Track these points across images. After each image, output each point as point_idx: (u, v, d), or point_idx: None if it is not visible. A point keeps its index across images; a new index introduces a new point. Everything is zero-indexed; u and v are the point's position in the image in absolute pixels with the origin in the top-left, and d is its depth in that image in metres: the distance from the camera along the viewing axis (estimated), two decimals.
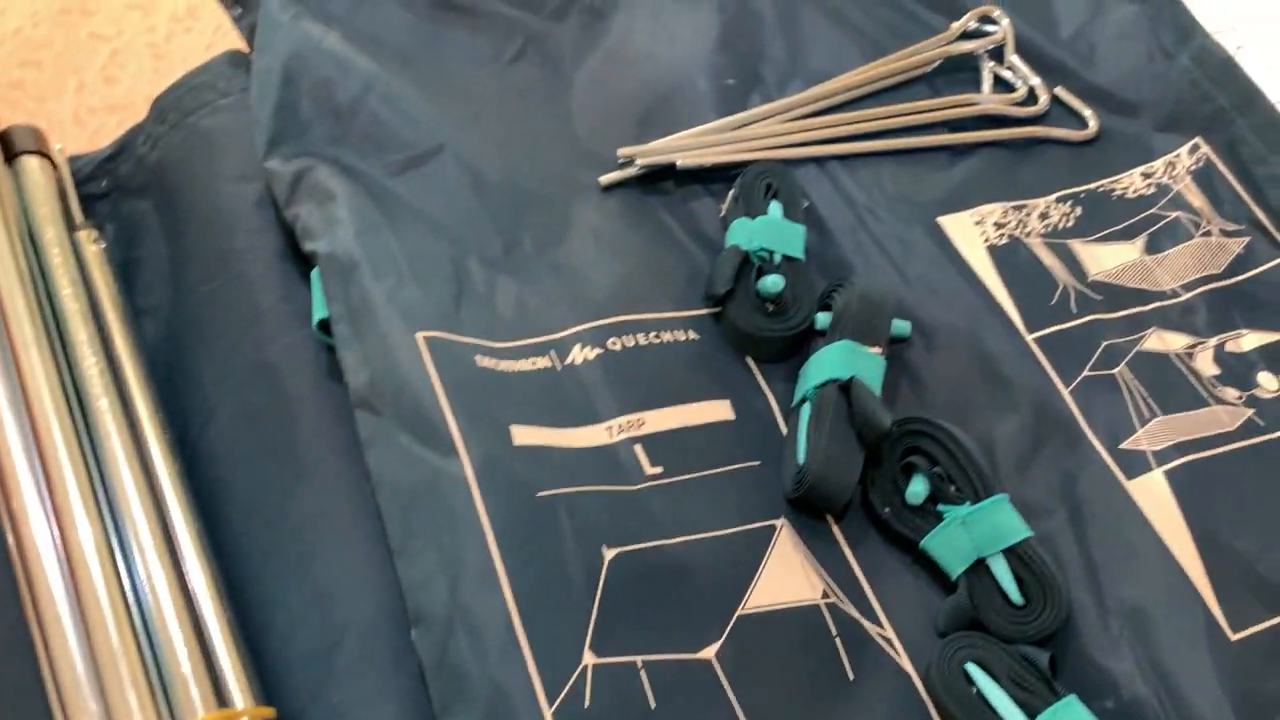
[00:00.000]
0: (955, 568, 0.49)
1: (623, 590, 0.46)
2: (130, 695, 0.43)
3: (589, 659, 0.44)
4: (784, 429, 0.53)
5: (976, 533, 0.49)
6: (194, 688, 0.44)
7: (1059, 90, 0.67)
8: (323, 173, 0.56)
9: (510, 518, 0.47)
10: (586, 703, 0.43)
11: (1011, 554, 0.49)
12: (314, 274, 0.54)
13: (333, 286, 0.52)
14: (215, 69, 0.63)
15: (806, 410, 0.52)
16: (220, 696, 0.44)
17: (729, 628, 0.47)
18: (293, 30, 0.59)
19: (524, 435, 0.50)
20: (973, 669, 0.47)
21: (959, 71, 0.68)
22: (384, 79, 0.59)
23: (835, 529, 0.51)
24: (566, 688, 0.44)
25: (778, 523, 0.50)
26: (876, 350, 0.53)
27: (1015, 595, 0.48)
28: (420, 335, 0.51)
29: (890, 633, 0.48)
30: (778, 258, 0.57)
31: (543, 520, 0.47)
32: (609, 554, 0.47)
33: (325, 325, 0.53)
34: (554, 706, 0.43)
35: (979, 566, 0.49)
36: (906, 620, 0.49)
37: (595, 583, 0.46)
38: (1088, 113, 0.66)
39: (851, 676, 0.47)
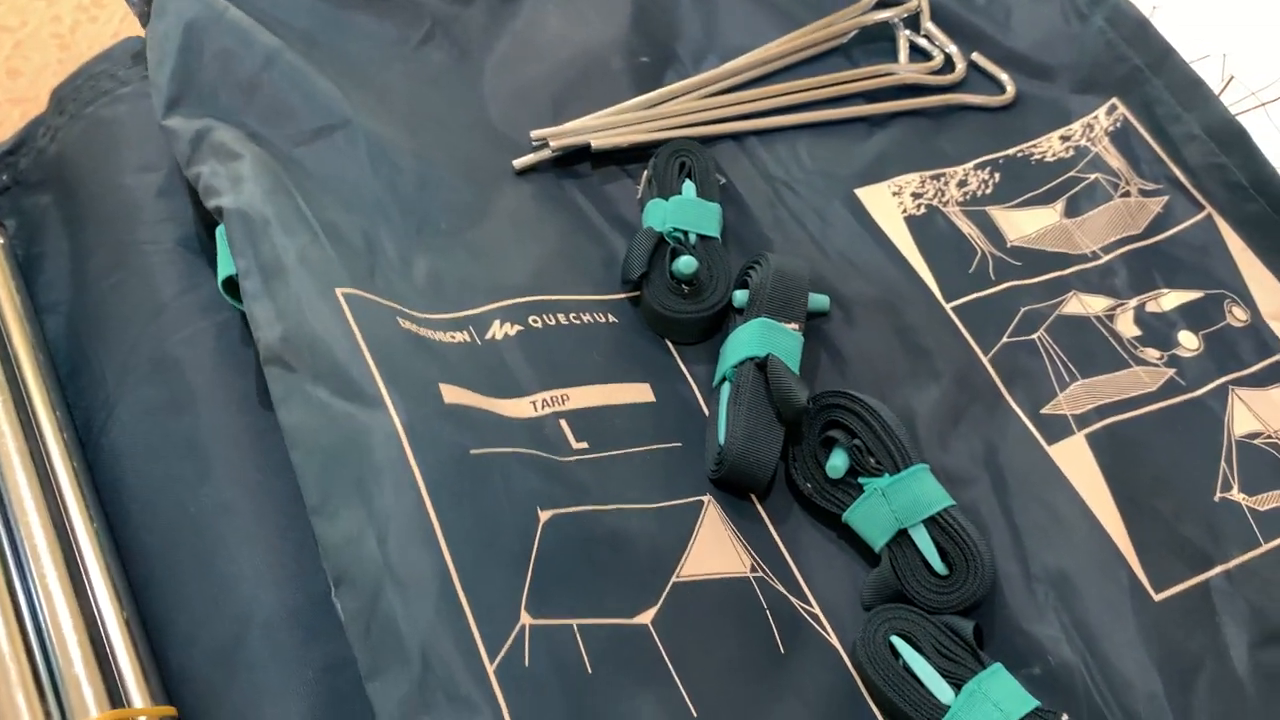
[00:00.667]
0: (878, 540, 0.48)
1: (558, 552, 0.45)
2: (18, 695, 0.42)
3: (525, 619, 0.43)
4: (706, 411, 0.52)
5: (897, 503, 0.48)
6: (86, 687, 0.42)
7: (976, 56, 0.67)
8: (226, 134, 0.53)
9: (444, 473, 0.44)
10: (527, 661, 0.42)
11: (933, 524, 0.48)
12: (219, 230, 0.51)
13: (240, 242, 0.49)
14: (114, 57, 0.62)
15: (726, 390, 0.51)
16: (117, 696, 0.43)
17: (664, 594, 0.46)
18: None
19: (454, 395, 0.48)
20: (898, 641, 0.46)
21: (875, 41, 0.67)
22: (287, 56, 0.57)
23: (759, 507, 0.50)
24: (506, 645, 0.42)
25: (704, 499, 0.49)
26: (794, 327, 0.52)
27: (938, 565, 0.48)
28: (340, 291, 0.48)
29: (817, 609, 0.48)
30: (693, 238, 0.56)
31: (478, 477, 0.45)
32: (544, 515, 0.45)
33: (231, 285, 0.50)
34: (495, 663, 0.41)
35: (901, 538, 0.48)
36: (833, 596, 0.48)
37: (530, 543, 0.45)
38: (1005, 78, 0.66)
39: (782, 650, 0.46)
